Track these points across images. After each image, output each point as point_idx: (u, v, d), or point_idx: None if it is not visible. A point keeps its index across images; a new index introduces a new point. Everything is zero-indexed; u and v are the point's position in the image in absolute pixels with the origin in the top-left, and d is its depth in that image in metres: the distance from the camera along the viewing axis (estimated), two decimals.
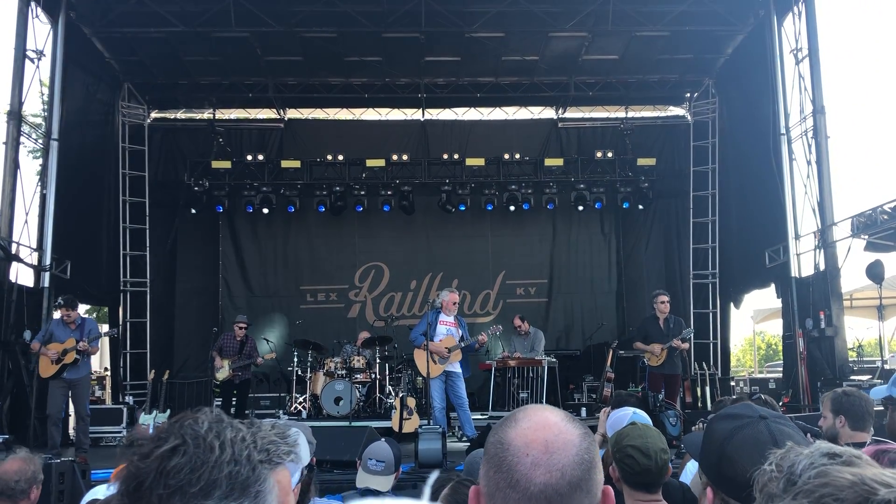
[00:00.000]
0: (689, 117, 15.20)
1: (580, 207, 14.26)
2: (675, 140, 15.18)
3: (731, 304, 14.47)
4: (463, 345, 9.39)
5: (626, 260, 15.20)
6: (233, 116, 15.61)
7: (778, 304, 12.65)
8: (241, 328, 11.16)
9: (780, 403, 8.52)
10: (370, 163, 13.97)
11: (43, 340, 8.86)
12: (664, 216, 15.17)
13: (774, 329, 24.47)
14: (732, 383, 14.31)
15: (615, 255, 15.24)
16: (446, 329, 9.50)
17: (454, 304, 9.58)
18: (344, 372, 11.19)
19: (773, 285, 12.49)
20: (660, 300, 9.97)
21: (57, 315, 9.35)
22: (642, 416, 3.34)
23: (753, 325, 22.45)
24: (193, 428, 1.05)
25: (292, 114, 15.41)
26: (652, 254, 15.21)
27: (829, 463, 1.10)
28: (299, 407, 11.25)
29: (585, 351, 13.87)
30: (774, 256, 11.98)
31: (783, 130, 11.81)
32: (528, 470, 1.14)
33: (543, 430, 1.18)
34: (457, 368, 9.45)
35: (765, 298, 15.64)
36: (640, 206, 14.25)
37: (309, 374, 11.48)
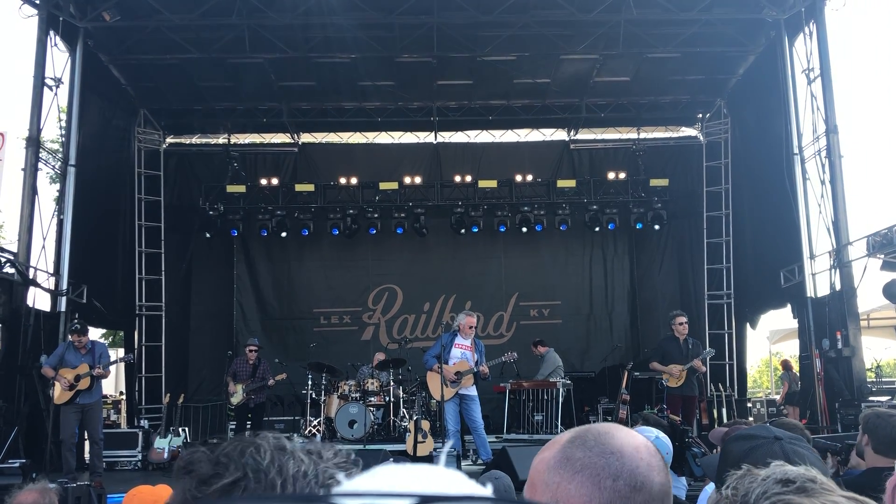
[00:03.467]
0: (701, 138, 15.19)
1: (594, 228, 14.26)
2: (688, 161, 15.16)
3: (747, 325, 14.37)
4: (476, 369, 9.25)
5: (640, 281, 15.14)
6: (247, 141, 15.75)
7: (794, 324, 12.55)
8: (252, 351, 11.19)
9: (767, 426, 8.42)
10: (383, 186, 14.05)
11: (54, 366, 8.89)
12: (678, 237, 15.12)
13: (791, 349, 24.21)
14: (749, 405, 14.18)
15: (629, 276, 15.19)
16: (461, 352, 9.38)
17: (471, 327, 9.46)
18: (358, 395, 11.17)
19: (788, 305, 12.39)
20: (678, 321, 9.88)
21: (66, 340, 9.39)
22: (664, 442, 3.32)
23: (770, 346, 22.25)
24: (255, 458, 1.01)
25: (306, 138, 15.53)
26: (666, 275, 15.14)
27: (783, 491, 1.10)
28: (313, 430, 11.23)
29: (600, 373, 13.78)
30: (790, 276, 11.91)
31: (796, 150, 11.78)
32: (648, 472, 1.17)
33: (636, 437, 1.22)
34: (472, 391, 9.33)
35: (781, 319, 15.53)
36: (656, 227, 14.21)
37: (323, 397, 11.47)
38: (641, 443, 1.21)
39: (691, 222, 14.95)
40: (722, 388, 13.47)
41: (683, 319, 9.90)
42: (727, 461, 1.60)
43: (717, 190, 14.50)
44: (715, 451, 4.81)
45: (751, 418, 13.83)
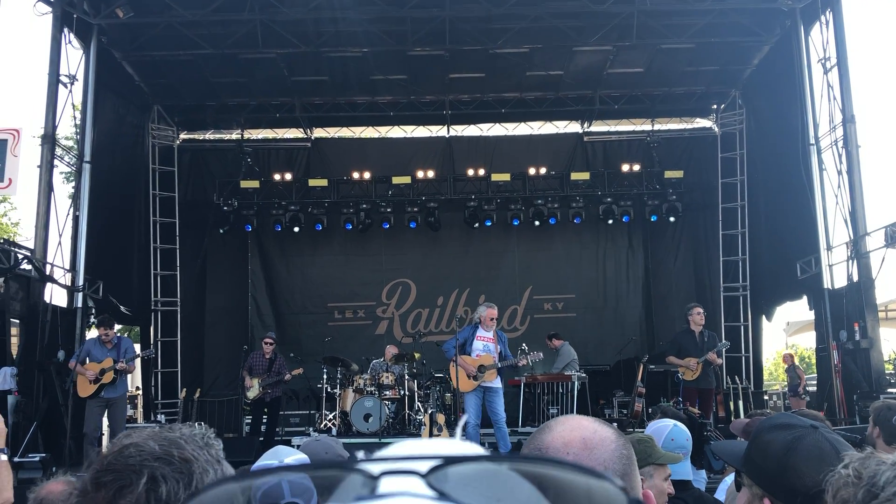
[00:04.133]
0: (716, 129, 15.09)
1: (608, 221, 14.20)
2: (703, 152, 15.06)
3: (763, 317, 14.29)
4: (500, 365, 9.05)
5: (654, 273, 15.07)
6: (260, 136, 15.78)
7: (811, 316, 12.47)
8: (268, 344, 11.21)
9: (793, 414, 8.36)
10: (396, 180, 14.05)
11: (80, 359, 8.99)
12: (693, 229, 15.04)
13: (807, 342, 24.08)
14: (766, 397, 14.10)
15: (643, 268, 15.12)
16: (483, 345, 9.16)
17: (491, 319, 9.25)
18: (373, 388, 11.19)
19: (805, 297, 12.31)
20: (695, 312, 9.79)
21: (92, 334, 9.48)
22: (682, 430, 3.29)
23: (786, 338, 22.16)
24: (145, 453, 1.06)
25: (319, 133, 15.55)
26: (681, 267, 15.06)
27: None
28: (329, 424, 11.26)
29: (615, 366, 13.74)
30: (806, 268, 11.81)
31: (812, 140, 11.68)
32: None
33: (579, 430, 1.18)
34: (496, 384, 9.11)
35: (797, 311, 15.45)
36: (671, 219, 14.13)
37: (338, 391, 11.49)
38: (579, 437, 1.16)
39: (706, 214, 14.85)
40: (738, 381, 13.40)
41: (700, 311, 9.82)
42: (768, 451, 1.58)
43: (732, 181, 14.40)
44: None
45: (769, 410, 13.76)
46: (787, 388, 15.80)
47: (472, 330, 9.29)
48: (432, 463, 0.49)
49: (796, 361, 15.53)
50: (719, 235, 14.53)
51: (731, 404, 13.11)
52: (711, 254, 14.72)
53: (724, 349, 10.03)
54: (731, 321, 14.26)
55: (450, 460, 0.49)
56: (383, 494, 0.47)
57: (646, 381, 11.43)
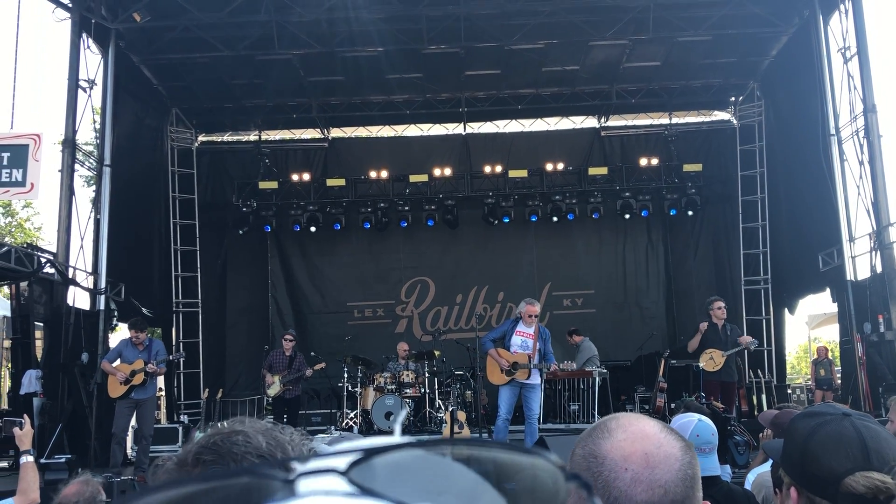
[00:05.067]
0: (734, 121, 14.97)
1: (626, 216, 14.13)
2: (722, 144, 14.95)
3: (785, 310, 14.17)
4: (533, 366, 8.76)
5: (675, 268, 14.98)
6: (278, 137, 15.85)
7: (834, 308, 12.34)
8: (288, 341, 11.25)
9: (834, 403, 8.28)
10: (413, 178, 14.06)
11: (111, 360, 9.12)
12: (712, 222, 14.93)
13: (831, 334, 23.83)
14: (789, 391, 13.98)
15: (663, 263, 15.04)
16: (521, 340, 8.89)
17: (530, 316, 8.92)
18: (394, 387, 11.22)
19: (827, 289, 12.18)
20: (716, 306, 9.62)
21: (116, 336, 9.58)
22: (707, 424, 3.26)
23: (809, 331, 21.94)
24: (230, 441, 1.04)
25: (336, 132, 15.58)
26: (701, 261, 14.96)
27: None
28: (350, 423, 11.31)
29: (636, 361, 13.67)
30: (828, 260, 11.69)
31: (833, 131, 11.55)
32: (628, 487, 1.03)
33: (642, 442, 1.07)
34: (533, 380, 8.83)
35: (820, 303, 15.30)
36: (689, 213, 14.05)
37: (359, 390, 11.53)
38: (641, 451, 1.05)
39: (726, 207, 14.75)
40: (761, 375, 13.31)
41: (721, 304, 9.67)
42: (793, 438, 1.56)
43: (752, 174, 14.29)
44: (763, 434, 4.73)
45: (794, 404, 13.65)
46: (811, 382, 15.65)
47: (513, 324, 9.03)
48: (352, 457, 0.46)
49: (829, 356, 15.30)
50: (739, 228, 14.42)
51: (754, 398, 13.02)
52: (732, 247, 14.61)
53: (752, 346, 9.80)
54: (753, 315, 14.15)
55: (370, 452, 0.47)
56: (297, 496, 0.45)
57: (667, 376, 11.37)
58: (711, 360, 9.48)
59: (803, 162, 12.36)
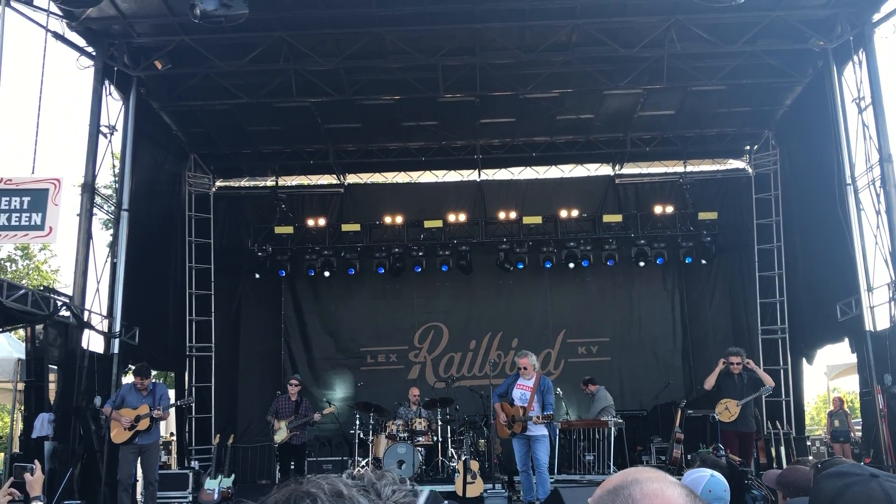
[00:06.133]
0: (749, 170, 14.98)
1: (641, 263, 14.09)
2: (737, 193, 14.94)
3: (804, 360, 13.97)
4: (524, 419, 8.85)
5: (690, 316, 14.85)
6: (294, 183, 16.00)
7: (852, 358, 12.16)
8: (294, 386, 11.17)
9: (862, 464, 8.10)
10: (428, 224, 14.12)
11: (115, 405, 9.05)
12: (728, 271, 14.84)
13: (850, 385, 23.42)
14: (808, 443, 13.70)
15: (679, 311, 14.93)
16: (520, 393, 9.10)
17: (523, 368, 9.14)
18: (406, 434, 11.10)
19: (846, 339, 12.02)
20: (731, 360, 9.53)
21: (128, 380, 9.55)
22: (720, 480, 3.20)
23: (828, 382, 21.56)
24: None
25: (352, 179, 15.73)
26: (717, 309, 14.84)
27: None
28: (361, 471, 11.16)
29: (653, 411, 13.49)
30: (846, 310, 11.56)
31: (849, 180, 11.52)
32: None
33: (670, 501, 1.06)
34: (537, 431, 8.95)
35: (838, 353, 15.08)
36: (703, 261, 13.99)
37: (371, 437, 11.42)
38: None
39: (742, 255, 14.66)
40: (779, 426, 13.07)
41: (737, 360, 9.50)
42: (820, 499, 1.51)
43: (767, 222, 14.23)
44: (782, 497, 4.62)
45: (811, 457, 13.37)
46: (828, 434, 15.38)
47: (515, 378, 9.31)
48: None
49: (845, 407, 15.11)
50: (756, 277, 14.30)
51: (773, 450, 12.76)
52: (748, 296, 14.48)
53: (766, 394, 9.71)
54: (771, 364, 13.94)
55: None
56: None
57: (684, 426, 11.19)
58: (727, 411, 9.35)
59: (819, 211, 12.32)
